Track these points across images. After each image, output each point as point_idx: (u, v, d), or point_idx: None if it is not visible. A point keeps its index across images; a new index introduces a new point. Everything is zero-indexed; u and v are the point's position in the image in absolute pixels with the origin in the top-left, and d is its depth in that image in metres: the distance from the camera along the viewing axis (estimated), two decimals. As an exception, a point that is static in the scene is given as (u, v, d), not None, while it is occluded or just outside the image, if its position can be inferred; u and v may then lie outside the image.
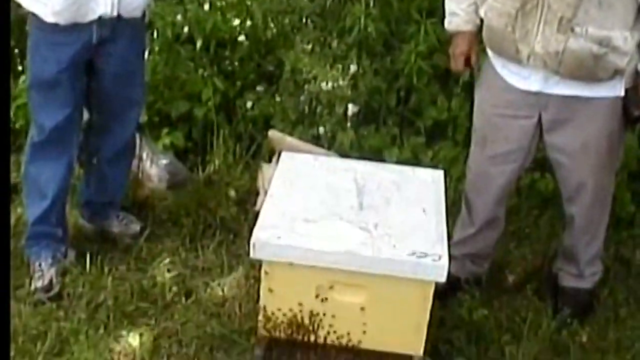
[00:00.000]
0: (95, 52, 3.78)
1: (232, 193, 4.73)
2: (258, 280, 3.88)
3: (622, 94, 3.59)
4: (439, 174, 3.70)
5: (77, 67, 3.77)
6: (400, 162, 4.63)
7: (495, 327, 3.90)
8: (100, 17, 3.67)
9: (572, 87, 3.55)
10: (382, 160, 4.65)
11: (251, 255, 3.18)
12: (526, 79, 3.60)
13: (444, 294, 3.85)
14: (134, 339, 3.68)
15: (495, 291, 4.13)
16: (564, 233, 4.07)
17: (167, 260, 4.17)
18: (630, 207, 4.62)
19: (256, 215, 4.31)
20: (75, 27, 3.66)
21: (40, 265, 3.93)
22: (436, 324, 3.69)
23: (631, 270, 4.41)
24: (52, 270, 3.92)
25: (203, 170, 4.91)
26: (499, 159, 3.81)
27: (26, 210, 4.02)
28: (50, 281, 3.89)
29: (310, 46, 4.87)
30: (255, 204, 4.55)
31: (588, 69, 3.46)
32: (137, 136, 4.39)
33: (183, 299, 3.95)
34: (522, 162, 3.85)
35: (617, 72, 3.49)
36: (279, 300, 3.24)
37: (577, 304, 4.03)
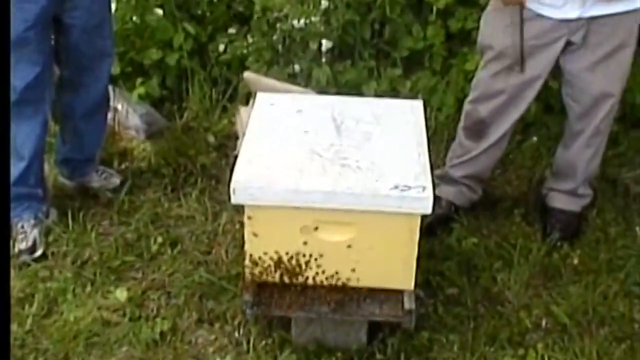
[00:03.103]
0: (61, 7, 3.70)
1: (211, 138, 4.68)
2: (243, 225, 3.88)
3: None
4: (418, 104, 3.63)
5: (44, 24, 3.69)
6: (378, 95, 4.59)
7: (485, 255, 3.90)
8: None
9: (608, 5, 3.58)
10: (360, 94, 4.60)
11: (232, 200, 3.12)
12: (560, 8, 3.59)
13: (441, 222, 3.95)
14: (122, 294, 3.65)
15: (483, 218, 4.11)
16: (562, 150, 4.05)
17: (150, 211, 4.13)
18: (613, 126, 4.57)
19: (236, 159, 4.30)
20: None
21: (22, 226, 3.88)
22: (426, 256, 3.67)
23: (617, 189, 4.40)
24: (35, 231, 3.88)
25: (180, 118, 4.86)
26: (526, 84, 3.78)
27: (3, 172, 3.97)
28: (34, 242, 3.85)
29: (279, -17, 4.77)
30: (235, 148, 4.50)
31: None
32: (111, 88, 4.31)
33: (169, 249, 3.92)
34: (543, 85, 3.85)
35: None
36: (264, 244, 3.19)
37: (567, 226, 4.03)
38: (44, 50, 3.74)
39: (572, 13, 3.59)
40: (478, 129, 3.94)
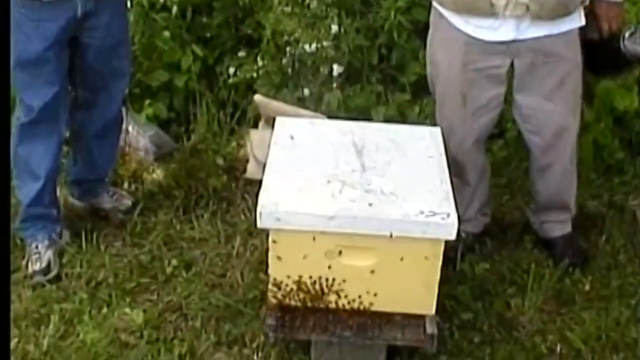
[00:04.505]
0: (79, 26, 3.71)
1: (220, 161, 4.67)
2: (257, 248, 3.90)
3: (584, 22, 3.69)
4: (436, 131, 3.67)
5: (62, 44, 3.70)
6: (387, 119, 4.61)
7: (498, 281, 3.92)
8: None
9: (542, 28, 3.60)
10: (369, 119, 4.62)
11: (258, 224, 3.14)
12: (496, 30, 3.61)
13: (467, 251, 3.98)
14: (137, 316, 3.65)
15: (494, 244, 4.13)
16: (542, 186, 4.03)
17: (163, 233, 4.13)
18: (619, 153, 4.63)
19: (247, 182, 4.31)
20: (58, 2, 3.59)
21: (37, 247, 3.87)
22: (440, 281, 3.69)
23: (625, 216, 4.41)
24: (49, 252, 3.87)
25: (187, 140, 4.85)
26: (481, 110, 3.80)
27: (18, 193, 3.92)
28: (49, 263, 3.84)
29: (289, 8, 4.78)
30: (245, 171, 4.51)
31: (563, 5, 3.56)
32: (123, 110, 4.30)
33: (183, 271, 3.91)
34: (501, 108, 3.86)
35: (582, 2, 3.62)
36: (288, 268, 3.21)
37: (574, 251, 4.05)
38: (61, 69, 3.75)
39: (507, 35, 3.61)
40: (455, 166, 3.90)
